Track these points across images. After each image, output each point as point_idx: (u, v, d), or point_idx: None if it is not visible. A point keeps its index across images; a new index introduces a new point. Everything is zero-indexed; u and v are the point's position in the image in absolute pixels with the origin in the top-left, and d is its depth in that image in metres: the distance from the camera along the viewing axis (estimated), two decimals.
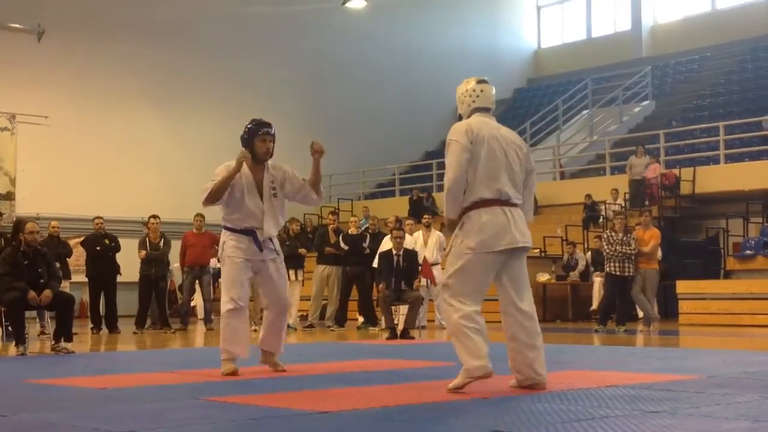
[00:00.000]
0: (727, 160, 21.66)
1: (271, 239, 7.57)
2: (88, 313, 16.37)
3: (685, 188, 20.99)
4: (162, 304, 15.99)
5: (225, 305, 7.44)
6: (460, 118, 6.23)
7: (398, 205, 25.60)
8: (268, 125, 7.48)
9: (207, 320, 16.67)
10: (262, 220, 7.41)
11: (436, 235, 16.79)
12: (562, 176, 25.93)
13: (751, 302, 16.46)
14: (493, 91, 6.24)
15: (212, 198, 7.37)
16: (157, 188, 24.99)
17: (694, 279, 17.54)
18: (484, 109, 6.17)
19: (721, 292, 16.71)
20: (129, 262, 16.00)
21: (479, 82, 6.22)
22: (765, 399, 5.55)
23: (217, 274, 21.06)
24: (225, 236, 7.56)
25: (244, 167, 7.37)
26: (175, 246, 16.65)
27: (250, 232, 7.42)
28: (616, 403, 5.46)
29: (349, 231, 16.55)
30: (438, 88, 32.07)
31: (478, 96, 6.17)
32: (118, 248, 15.59)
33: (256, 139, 7.38)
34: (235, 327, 7.44)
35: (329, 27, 29.78)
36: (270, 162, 7.53)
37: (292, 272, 16.41)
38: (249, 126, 7.49)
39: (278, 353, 7.81)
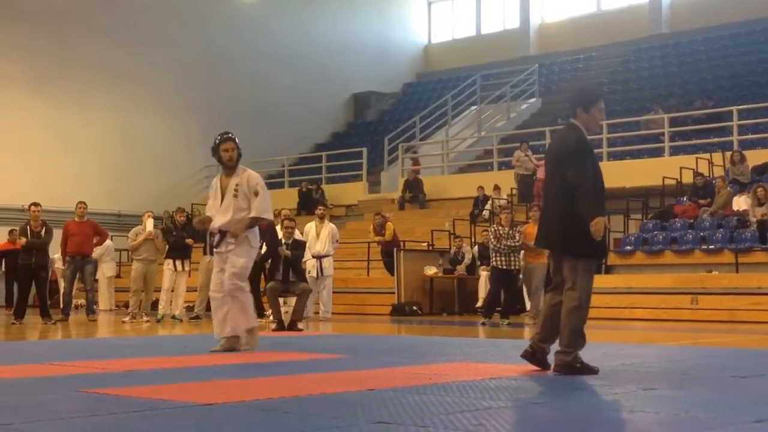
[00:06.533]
0: (610, 158, 22.21)
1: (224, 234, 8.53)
2: None
3: None
4: (42, 295, 15.57)
5: None
6: None
7: (287, 197, 25.49)
8: (228, 137, 8.57)
9: (89, 311, 16.30)
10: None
11: (329, 227, 16.74)
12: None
13: (630, 296, 16.93)
14: None
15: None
16: (39, 175, 24.32)
17: None
18: None
19: (602, 286, 17.03)
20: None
21: None
22: (641, 390, 5.71)
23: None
24: None
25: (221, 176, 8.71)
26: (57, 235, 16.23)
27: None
28: (500, 395, 5.55)
29: None
30: (329, 80, 32.07)
31: None
32: None
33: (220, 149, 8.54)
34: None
35: (219, 17, 29.44)
36: (242, 168, 8.62)
37: (178, 263, 16.21)
38: (215, 139, 8.61)
39: (225, 334, 8.55)
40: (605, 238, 6.75)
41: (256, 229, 8.72)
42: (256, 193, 8.51)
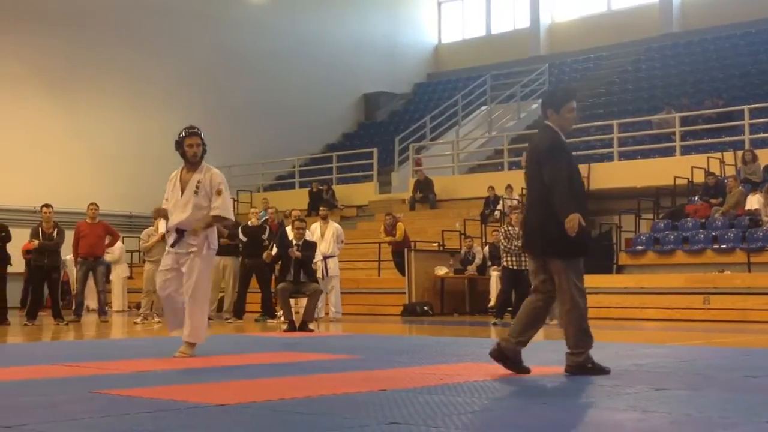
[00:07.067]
0: (621, 157, 22.17)
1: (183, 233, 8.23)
2: None
3: None
4: (55, 296, 15.62)
5: None
6: None
7: (298, 198, 25.52)
8: (194, 132, 8.31)
9: (101, 312, 16.34)
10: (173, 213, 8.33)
11: (333, 227, 16.74)
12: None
13: (642, 296, 16.89)
14: None
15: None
16: (52, 177, 24.40)
17: (587, 273, 17.84)
18: None
19: (613, 286, 17.10)
20: (19, 253, 15.60)
21: None
22: (653, 390, 5.70)
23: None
24: None
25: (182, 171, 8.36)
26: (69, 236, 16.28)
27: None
28: (510, 395, 5.55)
29: (249, 222, 16.41)
30: (339, 81, 32.09)
31: None
32: (8, 238, 15.18)
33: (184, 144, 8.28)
34: None
35: (229, 18, 29.49)
36: (206, 165, 8.31)
37: None
38: (180, 133, 8.36)
39: (184, 337, 8.21)
40: (587, 236, 6.73)
41: (215, 230, 8.41)
42: (219, 192, 8.21)
